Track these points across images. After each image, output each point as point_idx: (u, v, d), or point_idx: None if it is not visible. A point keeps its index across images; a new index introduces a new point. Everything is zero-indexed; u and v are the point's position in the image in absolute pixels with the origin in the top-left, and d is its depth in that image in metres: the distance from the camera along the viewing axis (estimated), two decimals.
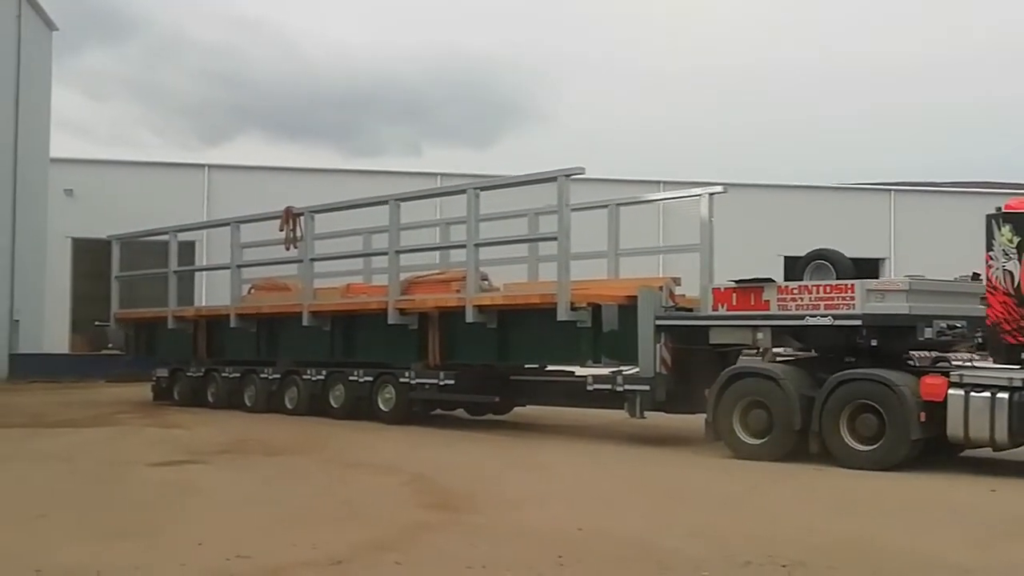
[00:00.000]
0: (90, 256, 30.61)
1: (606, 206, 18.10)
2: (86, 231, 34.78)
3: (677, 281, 15.23)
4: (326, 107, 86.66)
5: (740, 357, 14.28)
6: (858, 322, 12.45)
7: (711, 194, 16.52)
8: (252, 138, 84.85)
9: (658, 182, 40.45)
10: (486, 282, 17.43)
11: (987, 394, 11.51)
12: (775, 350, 13.86)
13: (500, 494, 10.47)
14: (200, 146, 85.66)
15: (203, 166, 40.34)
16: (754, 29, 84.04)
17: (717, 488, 10.88)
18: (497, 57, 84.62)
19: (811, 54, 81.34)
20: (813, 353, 13.62)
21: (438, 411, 18.24)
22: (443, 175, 38.83)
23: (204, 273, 30.50)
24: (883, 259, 43.79)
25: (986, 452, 12.40)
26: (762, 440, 12.95)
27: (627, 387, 14.43)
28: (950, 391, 11.74)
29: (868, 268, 41.82)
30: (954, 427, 11.69)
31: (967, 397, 11.60)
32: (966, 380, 11.78)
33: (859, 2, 79.64)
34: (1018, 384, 11.45)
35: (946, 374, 12.07)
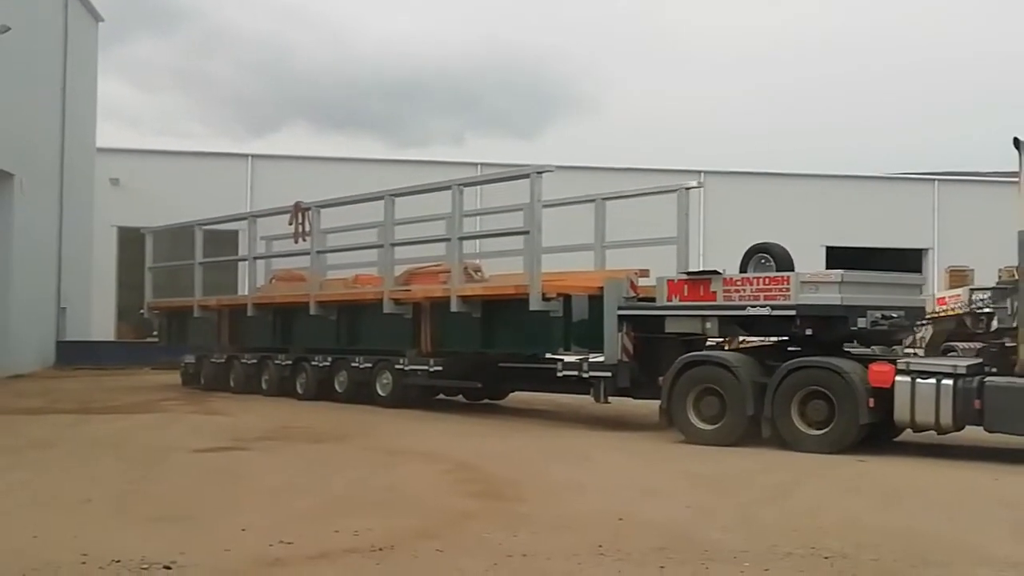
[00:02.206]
0: (135, 245, 30.92)
1: (593, 200, 18.69)
2: (131, 220, 35.08)
3: (645, 273, 15.69)
4: (372, 97, 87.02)
5: (705, 345, 14.93)
6: (792, 312, 13.13)
7: (687, 188, 17.37)
8: (298, 128, 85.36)
9: (699, 171, 40.27)
10: (479, 273, 18.49)
11: (933, 381, 12.08)
12: (742, 338, 14.61)
13: (542, 483, 10.48)
14: (246, 136, 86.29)
15: (246, 156, 40.58)
16: (804, 20, 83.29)
17: (760, 479, 10.81)
18: (544, 46, 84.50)
19: (860, 44, 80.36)
20: (770, 341, 14.23)
21: (440, 396, 19.29)
22: (483, 164, 38.80)
23: (247, 262, 30.70)
24: (927, 249, 43.29)
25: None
26: (715, 426, 13.48)
27: (592, 373, 15.10)
28: (897, 378, 12.29)
29: (912, 258, 41.44)
30: (901, 412, 12.28)
31: (914, 384, 12.17)
32: (912, 367, 12.37)
33: None
34: (962, 371, 12.04)
35: (893, 361, 12.60)
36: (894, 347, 14.14)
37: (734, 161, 52.66)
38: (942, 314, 19.05)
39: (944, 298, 20.12)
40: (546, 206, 18.23)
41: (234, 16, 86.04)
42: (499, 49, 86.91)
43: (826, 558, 7.11)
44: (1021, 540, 7.96)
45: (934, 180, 46.09)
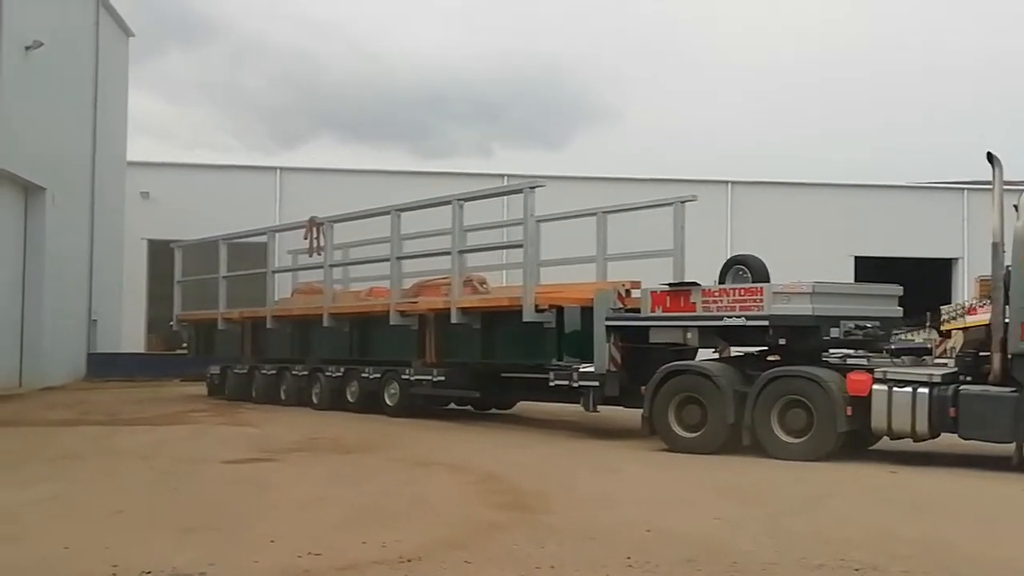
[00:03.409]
0: (165, 258, 31.23)
1: (594, 214, 19.18)
2: (162, 233, 35.35)
3: (636, 284, 15.92)
4: (399, 109, 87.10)
5: (696, 355, 15.17)
6: (766, 322, 13.43)
7: (683, 202, 17.67)
8: (326, 140, 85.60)
9: (726, 182, 40.20)
10: (484, 286, 18.99)
11: (909, 389, 12.35)
12: (733, 348, 14.92)
13: (570, 494, 10.46)
14: (276, 149, 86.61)
15: (275, 169, 40.73)
16: (828, 28, 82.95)
17: (789, 490, 10.75)
18: (570, 57, 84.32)
19: (886, 53, 79.97)
20: (755, 350, 14.45)
21: (452, 406, 19.81)
22: (509, 176, 38.79)
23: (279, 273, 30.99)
24: (957, 259, 42.89)
25: None
26: (696, 434, 13.75)
27: (581, 383, 15.34)
28: (874, 387, 12.55)
29: (941, 268, 41.08)
30: (878, 420, 12.56)
31: (890, 392, 12.44)
32: (889, 376, 12.63)
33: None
34: (937, 380, 12.34)
35: (870, 370, 12.85)
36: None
37: (762, 170, 52.44)
38: (971, 324, 18.91)
39: (975, 308, 19.96)
40: (549, 220, 19.27)
41: (263, 29, 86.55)
42: (525, 59, 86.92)
43: (856, 570, 7.05)
44: None
45: (963, 189, 45.63)
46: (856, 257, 38.81)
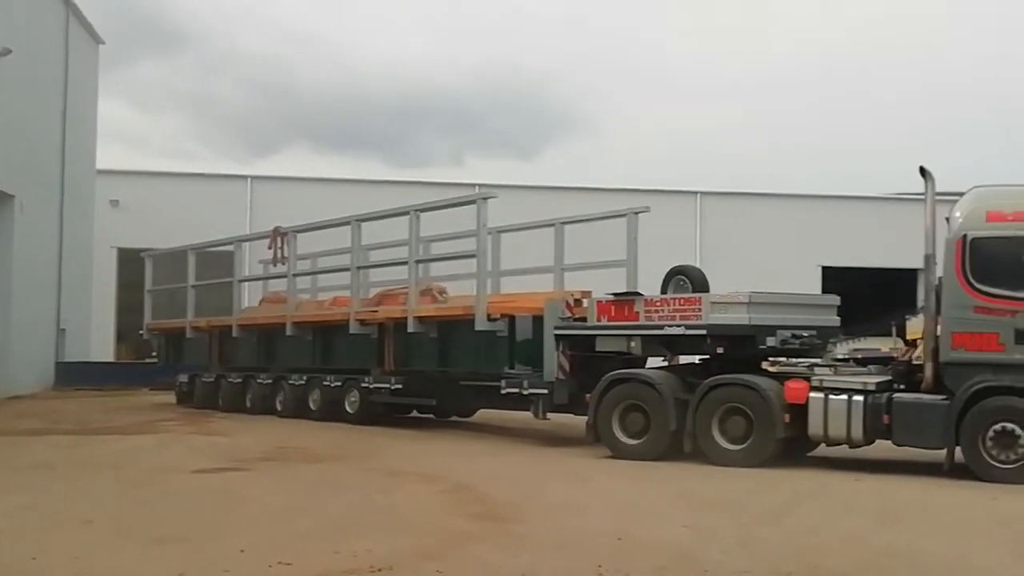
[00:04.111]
0: (135, 266, 31.05)
1: (552, 225, 19.47)
2: (132, 242, 35.13)
3: (587, 294, 16.14)
4: (374, 119, 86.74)
5: (646, 363, 15.26)
6: (703, 331, 13.72)
7: (636, 213, 17.83)
8: (300, 149, 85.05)
9: (695, 192, 40.44)
10: (444, 295, 19.07)
11: (844, 397, 12.70)
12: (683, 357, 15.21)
13: (541, 504, 10.47)
14: (249, 157, 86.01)
15: (246, 177, 40.53)
16: (803, 42, 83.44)
17: (759, 498, 10.81)
18: (544, 69, 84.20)
19: (868, 63, 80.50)
20: (704, 358, 14.62)
21: (415, 414, 20.02)
22: (481, 185, 38.83)
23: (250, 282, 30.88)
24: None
25: None
26: (639, 440, 14.00)
27: (531, 391, 15.62)
28: (811, 394, 12.90)
29: (909, 278, 41.42)
30: (815, 427, 12.88)
31: (826, 400, 12.78)
32: (825, 384, 12.97)
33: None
34: (871, 388, 12.68)
35: (807, 379, 13.19)
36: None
37: (735, 182, 52.64)
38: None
39: None
40: (508, 230, 19.95)
41: (236, 37, 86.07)
42: (500, 70, 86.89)
43: None
44: (1020, 560, 7.96)
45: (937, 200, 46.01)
46: (824, 267, 39.09)
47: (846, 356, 14.33)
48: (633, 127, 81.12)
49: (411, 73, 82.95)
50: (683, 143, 76.58)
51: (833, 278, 36.46)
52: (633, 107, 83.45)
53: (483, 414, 20.13)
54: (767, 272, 30.42)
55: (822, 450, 13.49)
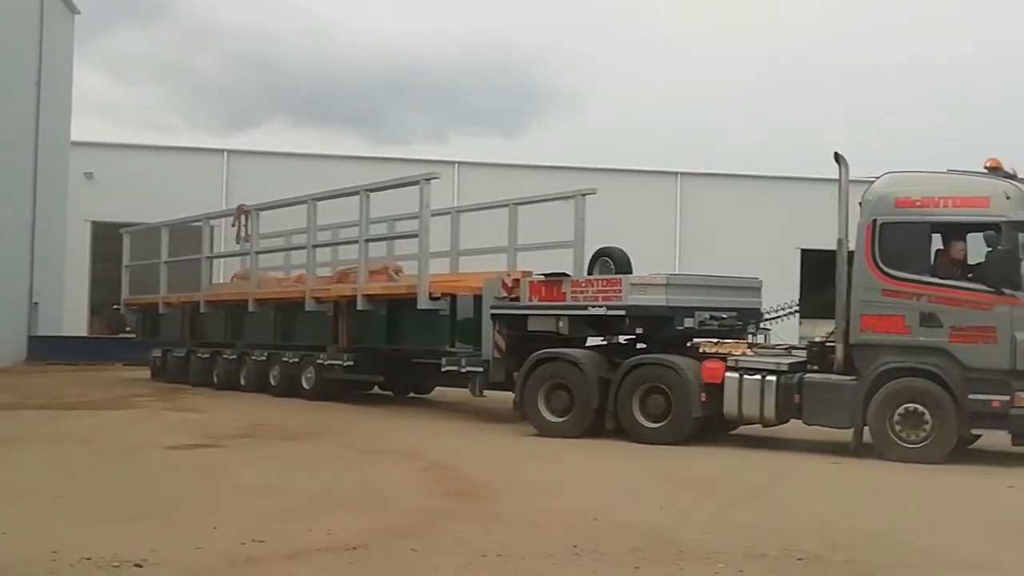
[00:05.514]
0: (109, 240, 30.82)
1: (506, 205, 19.82)
2: (106, 215, 34.85)
3: (527, 274, 16.31)
4: (354, 94, 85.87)
5: (584, 343, 15.39)
6: (623, 312, 14.02)
7: (583, 195, 18.27)
8: (279, 123, 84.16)
9: (675, 173, 40.38)
10: (400, 274, 19.51)
11: (758, 377, 12.96)
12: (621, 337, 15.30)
13: (517, 483, 10.47)
14: (227, 130, 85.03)
15: (222, 151, 40.19)
16: (792, 19, 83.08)
17: (735, 479, 10.85)
18: (528, 45, 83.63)
19: (847, 47, 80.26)
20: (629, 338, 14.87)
21: (376, 390, 20.27)
22: (461, 163, 38.75)
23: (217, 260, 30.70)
24: None
25: (999, 447, 12.56)
26: (563, 418, 14.26)
27: (468, 368, 15.89)
28: (727, 374, 13.17)
29: None
30: (729, 406, 13.16)
31: (741, 380, 13.05)
32: (741, 364, 13.25)
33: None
34: (784, 369, 12.96)
35: (724, 359, 13.40)
36: None
37: (727, 161, 52.25)
38: None
39: None
40: (468, 210, 20.79)
41: (215, 9, 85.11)
42: (482, 46, 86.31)
43: (800, 559, 7.13)
44: (991, 542, 8.01)
45: None
46: (803, 249, 39.19)
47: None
48: (620, 105, 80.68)
49: (394, 48, 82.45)
50: (670, 120, 76.18)
51: (813, 260, 36.60)
52: (621, 84, 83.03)
53: (441, 391, 20.07)
54: (746, 254, 30.34)
55: (804, 432, 13.46)
